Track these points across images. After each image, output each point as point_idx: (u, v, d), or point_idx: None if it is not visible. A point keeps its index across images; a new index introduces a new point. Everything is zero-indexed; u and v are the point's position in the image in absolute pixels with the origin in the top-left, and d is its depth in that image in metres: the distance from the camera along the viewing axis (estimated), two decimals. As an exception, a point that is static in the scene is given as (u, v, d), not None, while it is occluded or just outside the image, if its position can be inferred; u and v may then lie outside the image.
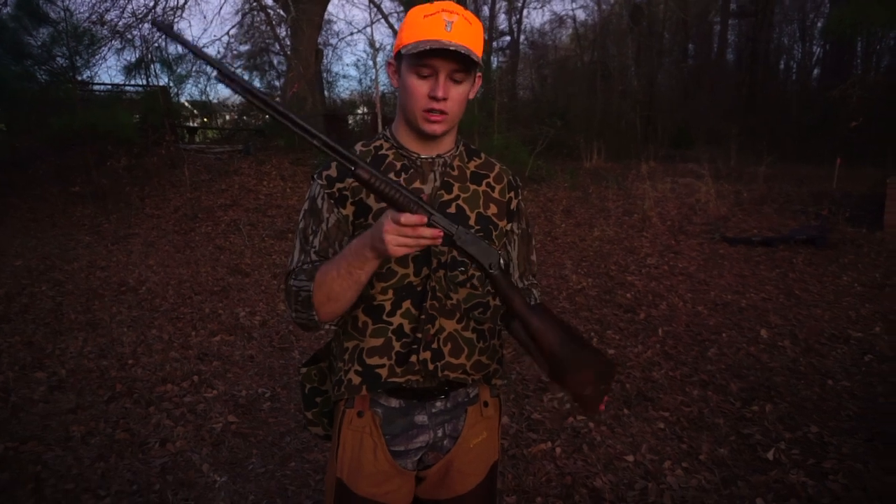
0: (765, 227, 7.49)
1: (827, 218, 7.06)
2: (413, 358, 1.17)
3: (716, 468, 2.60)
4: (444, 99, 1.11)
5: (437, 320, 1.18)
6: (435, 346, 1.18)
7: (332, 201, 1.19)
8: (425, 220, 0.96)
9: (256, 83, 16.15)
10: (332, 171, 1.20)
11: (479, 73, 1.17)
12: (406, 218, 0.96)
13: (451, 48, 1.05)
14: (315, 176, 1.22)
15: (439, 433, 1.26)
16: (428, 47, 1.06)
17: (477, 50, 1.11)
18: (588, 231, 7.55)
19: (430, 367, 1.18)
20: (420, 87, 1.11)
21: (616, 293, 5.10)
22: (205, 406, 3.17)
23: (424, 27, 1.08)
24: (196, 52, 0.92)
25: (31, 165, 8.82)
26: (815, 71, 19.94)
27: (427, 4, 1.11)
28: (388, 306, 1.17)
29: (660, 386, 3.40)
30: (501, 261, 1.09)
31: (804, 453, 2.70)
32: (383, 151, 1.22)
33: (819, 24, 18.78)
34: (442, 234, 0.99)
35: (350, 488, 1.23)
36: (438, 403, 1.24)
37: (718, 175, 10.50)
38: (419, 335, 1.17)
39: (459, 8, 1.11)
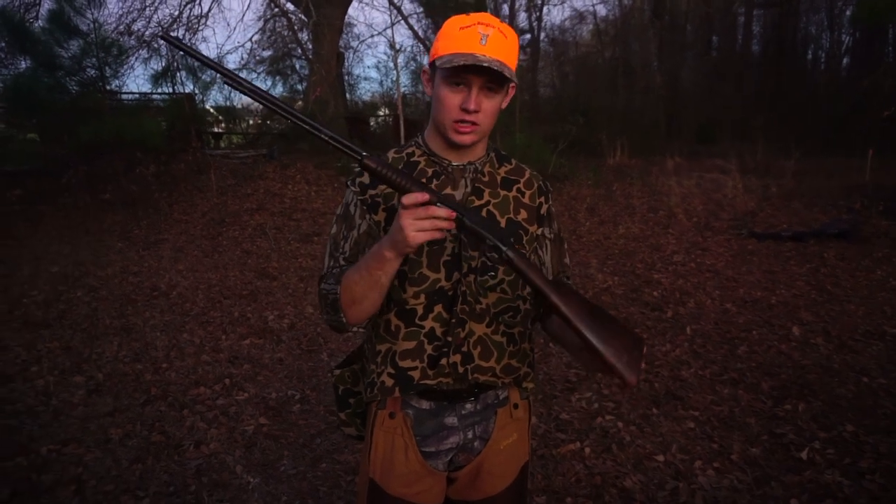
0: (794, 222, 7.35)
1: (859, 211, 6.90)
2: (443, 361, 1.19)
3: (748, 468, 2.57)
4: (476, 111, 1.12)
5: (468, 324, 1.20)
6: (465, 349, 1.20)
7: (365, 207, 1.22)
8: (427, 196, 0.97)
9: (279, 88, 16.34)
10: (365, 178, 1.23)
11: (512, 84, 1.18)
12: (408, 198, 0.97)
13: (485, 64, 1.06)
14: (349, 183, 1.25)
15: (469, 434, 1.27)
16: (462, 62, 1.06)
17: (511, 63, 1.12)
18: (613, 229, 7.49)
19: (460, 370, 1.20)
20: (452, 98, 1.13)
21: (643, 291, 5.06)
22: (237, 408, 3.23)
23: (460, 39, 1.09)
24: (203, 61, 0.99)
25: (62, 174, 9.04)
26: (845, 60, 19.46)
27: (463, 16, 1.12)
28: (420, 310, 1.19)
29: (689, 385, 3.36)
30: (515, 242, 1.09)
31: (839, 453, 2.65)
32: (415, 158, 1.24)
33: (848, 12, 18.31)
34: (454, 213, 1.00)
35: (382, 488, 1.25)
36: (468, 405, 1.26)
37: (745, 169, 10.31)
38: (450, 339, 1.19)
39: (496, 21, 1.12)
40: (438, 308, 1.19)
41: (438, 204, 1.00)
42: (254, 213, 8.39)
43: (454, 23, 1.12)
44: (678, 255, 6.21)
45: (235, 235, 7.52)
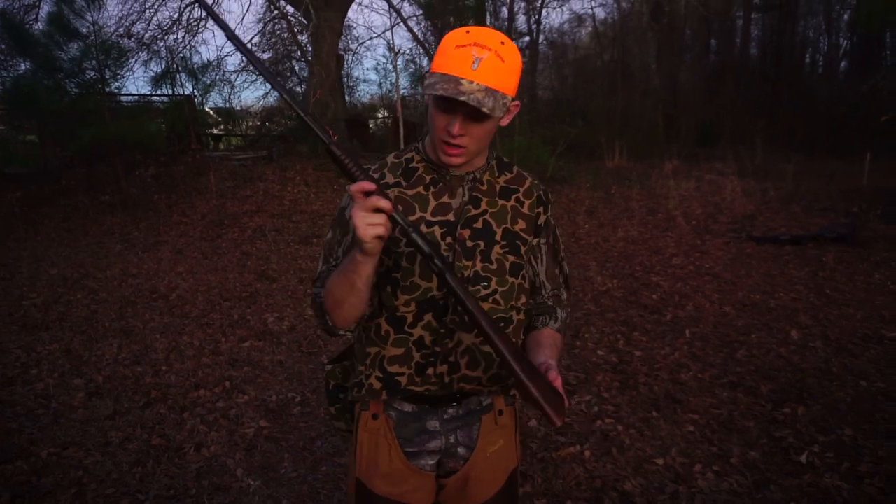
0: (793, 225, 7.37)
1: (858, 215, 6.91)
2: (430, 371, 1.20)
3: (747, 471, 2.58)
4: (462, 135, 1.09)
5: (457, 334, 1.20)
6: (452, 359, 1.21)
7: None
8: (374, 186, 0.95)
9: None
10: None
11: (515, 102, 1.11)
12: (353, 187, 0.95)
13: (462, 98, 1.00)
14: (348, 188, 1.26)
15: (451, 439, 1.28)
16: (441, 93, 1.01)
17: (505, 87, 1.05)
18: (612, 232, 7.50)
19: (446, 379, 1.21)
20: (440, 119, 1.09)
21: (642, 294, 5.07)
22: (237, 411, 3.23)
23: (452, 60, 1.03)
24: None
25: (62, 176, 9.05)
26: (843, 64, 19.53)
27: (462, 33, 1.06)
28: (409, 318, 1.19)
29: (688, 388, 3.37)
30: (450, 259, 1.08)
31: (838, 456, 2.66)
32: (414, 164, 1.23)
33: (845, 16, 18.39)
34: (391, 207, 0.96)
35: (369, 488, 1.27)
36: (451, 410, 1.27)
37: (744, 173, 10.35)
38: (438, 349, 1.20)
39: (495, 41, 1.04)
40: (428, 317, 1.19)
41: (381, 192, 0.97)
42: (253, 214, 8.39)
43: (452, 39, 1.06)
44: (677, 258, 6.22)
45: (235, 237, 7.52)
